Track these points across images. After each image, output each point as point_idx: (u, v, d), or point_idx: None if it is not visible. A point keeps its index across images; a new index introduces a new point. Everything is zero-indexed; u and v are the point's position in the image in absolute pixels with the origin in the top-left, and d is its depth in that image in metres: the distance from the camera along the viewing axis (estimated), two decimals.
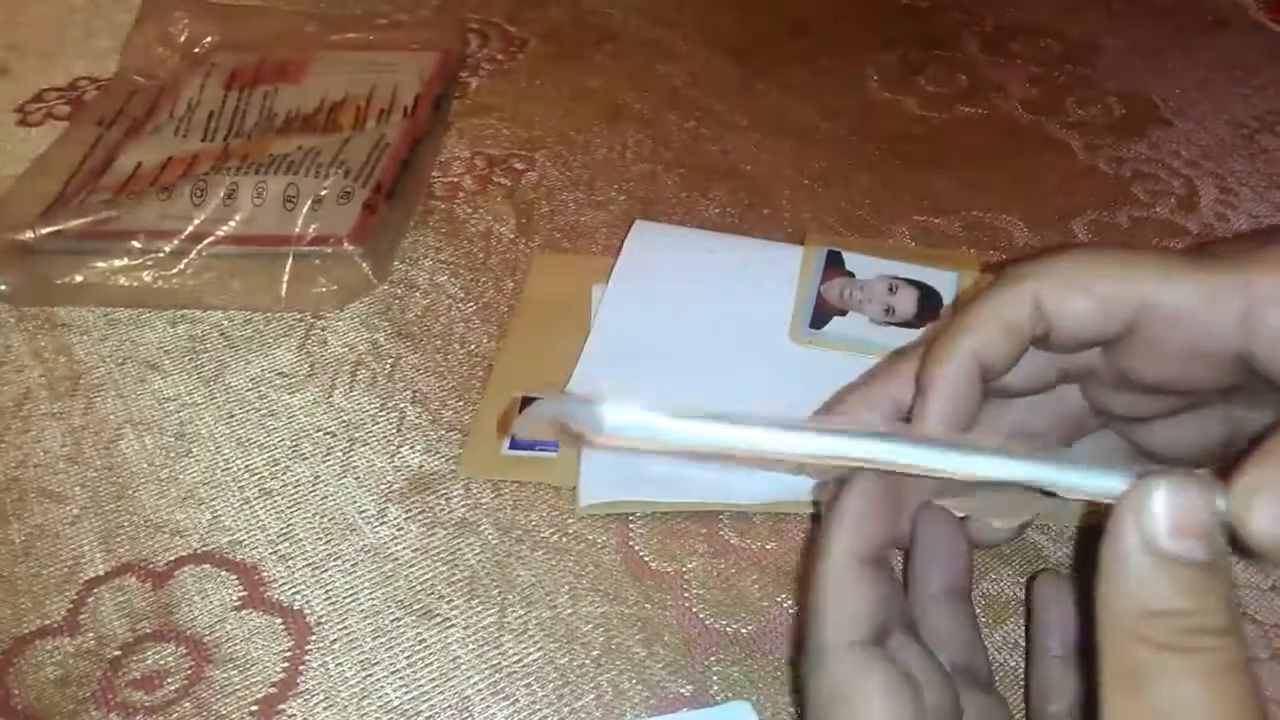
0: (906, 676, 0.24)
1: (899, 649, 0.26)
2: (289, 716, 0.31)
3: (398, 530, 0.36)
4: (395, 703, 0.31)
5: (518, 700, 0.31)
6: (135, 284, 0.44)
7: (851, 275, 0.43)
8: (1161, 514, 0.20)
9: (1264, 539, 0.20)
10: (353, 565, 0.35)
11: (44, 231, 0.45)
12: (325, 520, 0.36)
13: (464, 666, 0.32)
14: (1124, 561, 0.21)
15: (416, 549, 0.35)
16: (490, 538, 0.36)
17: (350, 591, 0.34)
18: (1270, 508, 0.20)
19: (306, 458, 0.38)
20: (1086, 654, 0.22)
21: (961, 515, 0.30)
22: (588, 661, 0.32)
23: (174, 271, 0.45)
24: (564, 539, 0.35)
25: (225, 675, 0.32)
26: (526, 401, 0.24)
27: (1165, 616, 0.20)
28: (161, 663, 0.32)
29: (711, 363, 0.40)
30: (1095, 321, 0.26)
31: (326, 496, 0.37)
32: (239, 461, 0.38)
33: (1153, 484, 0.21)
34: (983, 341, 0.27)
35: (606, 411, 0.23)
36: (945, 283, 0.42)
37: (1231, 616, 0.20)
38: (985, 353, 0.27)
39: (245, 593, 0.34)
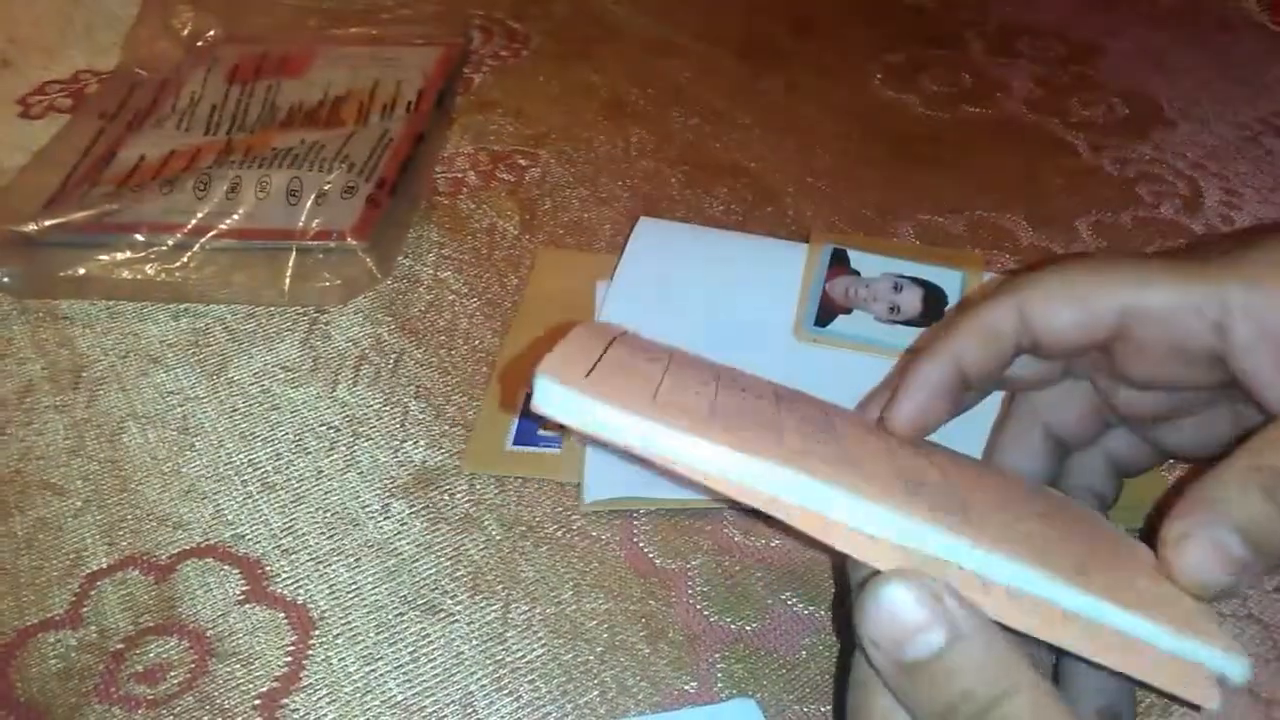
0: None
1: None
2: (292, 711, 0.31)
3: (401, 525, 0.36)
4: (398, 698, 0.31)
5: (521, 696, 0.31)
6: (138, 277, 0.44)
7: (856, 273, 0.43)
8: (881, 633, 0.21)
9: (1190, 583, 0.22)
10: (356, 560, 0.35)
11: (46, 224, 0.45)
12: (328, 515, 0.36)
13: (467, 662, 0.32)
14: (889, 682, 0.22)
15: (420, 544, 0.35)
16: (494, 533, 0.35)
17: (353, 586, 0.34)
18: (1195, 553, 0.22)
19: (310, 452, 0.38)
20: None
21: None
22: (591, 658, 0.32)
23: (177, 265, 0.44)
24: (568, 535, 0.35)
25: (228, 669, 0.31)
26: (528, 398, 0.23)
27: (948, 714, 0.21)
28: (164, 656, 0.32)
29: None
30: (1080, 329, 0.27)
31: (330, 491, 0.37)
32: (242, 455, 0.38)
33: (861, 605, 0.21)
34: (965, 347, 0.28)
35: (539, 386, 0.22)
36: (950, 281, 0.42)
37: (1007, 674, 0.20)
38: (966, 357, 0.28)
39: (248, 587, 0.34)
